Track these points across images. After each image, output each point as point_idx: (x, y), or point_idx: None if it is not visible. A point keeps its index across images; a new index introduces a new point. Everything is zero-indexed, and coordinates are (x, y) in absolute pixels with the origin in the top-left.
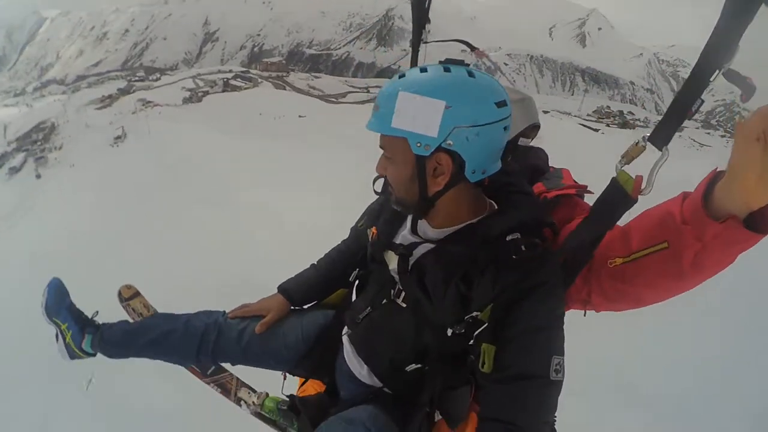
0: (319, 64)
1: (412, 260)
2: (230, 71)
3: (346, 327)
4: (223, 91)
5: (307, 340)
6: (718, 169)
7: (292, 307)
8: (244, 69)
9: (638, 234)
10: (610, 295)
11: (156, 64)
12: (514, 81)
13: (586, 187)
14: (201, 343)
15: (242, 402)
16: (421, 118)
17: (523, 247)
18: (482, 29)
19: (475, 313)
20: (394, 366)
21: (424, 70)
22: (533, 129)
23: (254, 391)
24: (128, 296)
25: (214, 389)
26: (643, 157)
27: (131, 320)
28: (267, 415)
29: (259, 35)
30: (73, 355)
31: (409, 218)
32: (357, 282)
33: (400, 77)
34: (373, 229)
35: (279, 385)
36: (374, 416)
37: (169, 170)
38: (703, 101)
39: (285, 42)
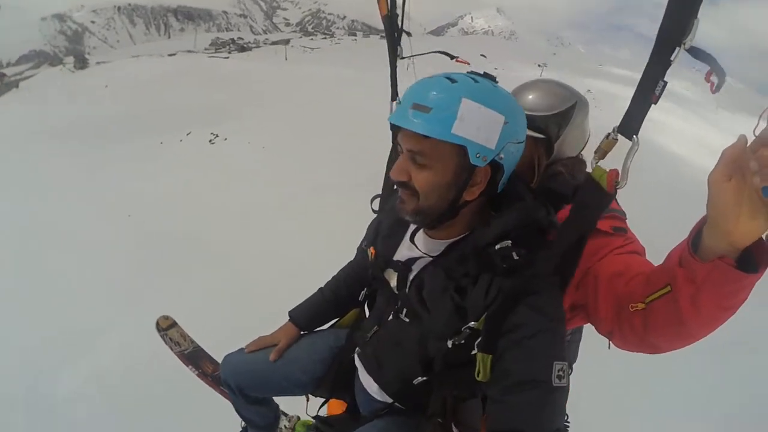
0: None
1: (411, 275)
2: None
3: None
4: None
5: (323, 362)
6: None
7: (303, 332)
8: None
9: (653, 277)
10: (629, 340)
11: None
12: (106, 39)
13: (624, 219)
14: (234, 394)
15: None
16: (484, 129)
17: (514, 254)
18: None
19: (471, 324)
20: (402, 381)
21: (473, 78)
22: None
23: (285, 415)
24: (165, 326)
25: None
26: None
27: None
28: None
29: None
30: None
31: (408, 233)
32: (367, 301)
33: (451, 81)
34: (371, 249)
35: (303, 405)
36: None
37: None
38: (666, 83)
39: None
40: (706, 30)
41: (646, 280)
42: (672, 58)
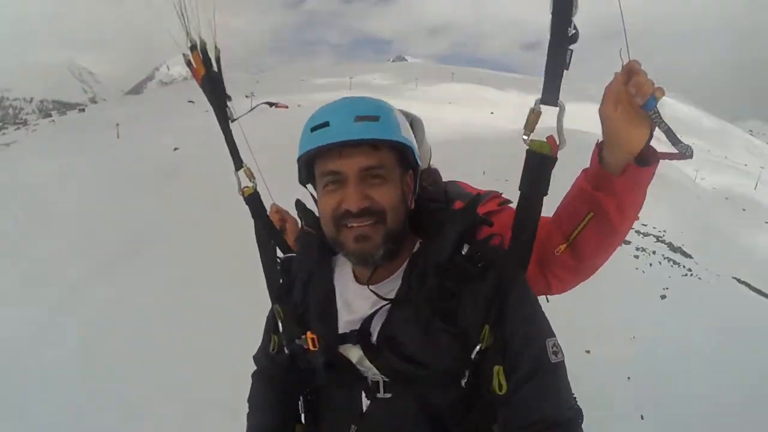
0: None
1: (374, 339)
2: None
3: None
4: None
5: None
6: (599, 141)
7: None
8: None
9: (566, 217)
10: (566, 279)
11: None
12: None
13: (501, 194)
14: None
15: None
16: (411, 134)
17: (479, 254)
18: None
19: (477, 347)
20: None
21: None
22: None
23: None
24: None
25: None
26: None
27: None
28: None
29: None
30: None
31: (342, 298)
32: (308, 409)
33: (362, 99)
34: (309, 335)
35: None
36: None
37: None
38: (572, 51)
39: None
40: (384, 24)
41: (555, 225)
42: (571, 29)
